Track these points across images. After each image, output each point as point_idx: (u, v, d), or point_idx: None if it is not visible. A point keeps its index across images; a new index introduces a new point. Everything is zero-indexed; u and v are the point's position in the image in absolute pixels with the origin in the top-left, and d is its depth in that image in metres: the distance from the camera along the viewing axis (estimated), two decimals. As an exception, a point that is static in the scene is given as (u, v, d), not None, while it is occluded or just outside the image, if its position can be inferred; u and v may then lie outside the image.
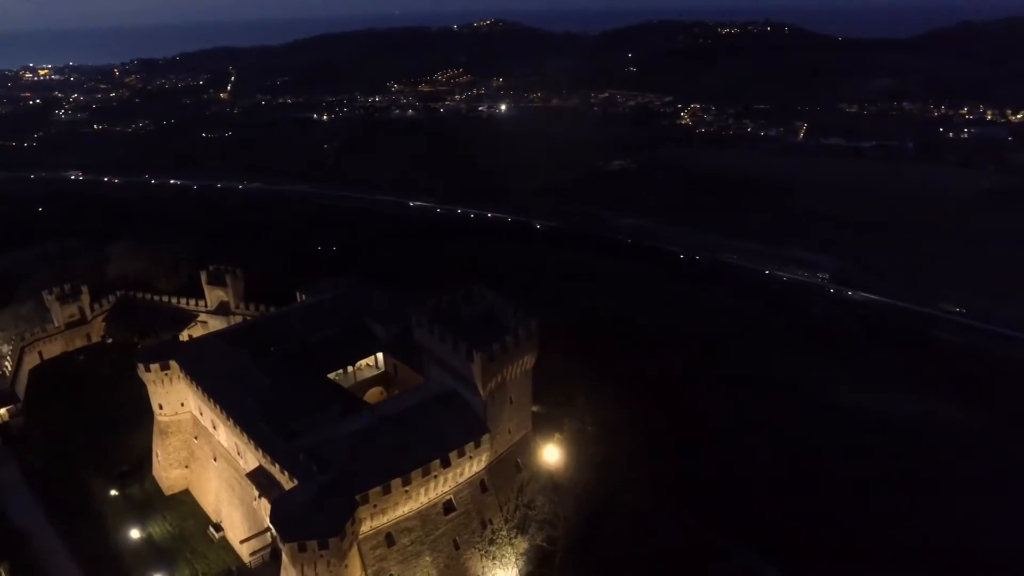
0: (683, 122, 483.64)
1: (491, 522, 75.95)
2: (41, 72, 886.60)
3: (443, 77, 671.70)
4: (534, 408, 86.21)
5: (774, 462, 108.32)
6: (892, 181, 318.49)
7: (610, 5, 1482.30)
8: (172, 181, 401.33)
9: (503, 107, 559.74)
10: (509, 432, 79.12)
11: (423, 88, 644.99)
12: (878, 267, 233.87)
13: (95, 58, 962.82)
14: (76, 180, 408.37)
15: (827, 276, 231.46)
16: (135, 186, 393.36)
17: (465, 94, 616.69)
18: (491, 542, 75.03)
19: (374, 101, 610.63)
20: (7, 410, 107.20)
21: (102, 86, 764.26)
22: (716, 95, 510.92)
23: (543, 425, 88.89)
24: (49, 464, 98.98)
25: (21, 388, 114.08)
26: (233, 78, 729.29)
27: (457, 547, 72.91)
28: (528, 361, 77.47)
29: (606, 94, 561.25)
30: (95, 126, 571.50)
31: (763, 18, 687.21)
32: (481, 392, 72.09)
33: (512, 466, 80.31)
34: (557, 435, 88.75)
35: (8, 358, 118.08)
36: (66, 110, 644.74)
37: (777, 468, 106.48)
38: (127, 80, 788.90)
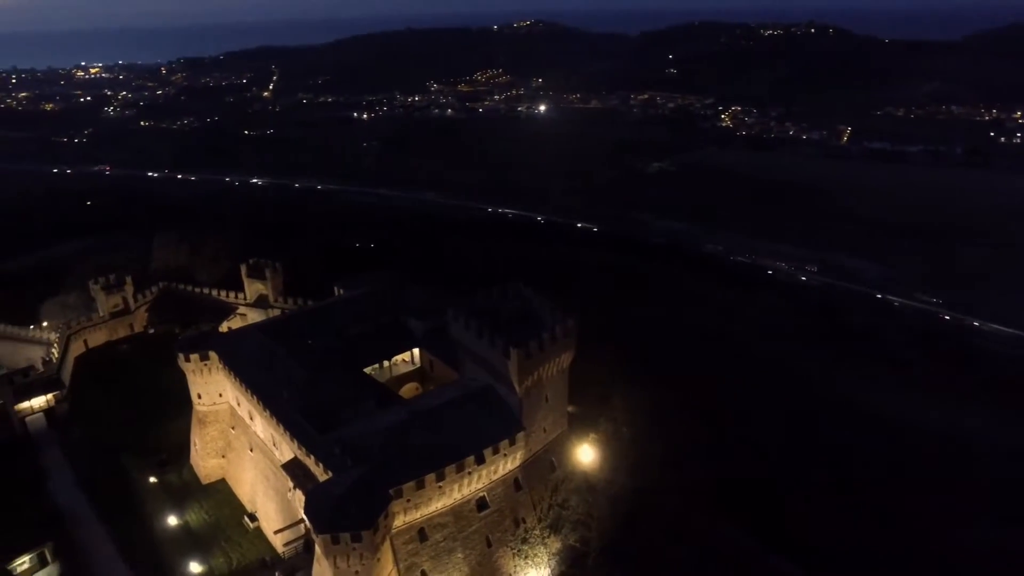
0: (724, 124, 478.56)
1: (524, 521, 75.39)
2: (92, 71, 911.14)
3: (482, 77, 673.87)
4: (569, 408, 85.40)
5: (811, 468, 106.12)
6: (939, 187, 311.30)
7: (651, 6, 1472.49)
8: (215, 177, 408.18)
9: (542, 107, 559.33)
10: (544, 431, 78.46)
11: (462, 88, 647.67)
12: (922, 274, 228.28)
13: (143, 57, 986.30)
14: (121, 175, 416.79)
15: (869, 282, 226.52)
16: (179, 181, 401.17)
17: (504, 94, 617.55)
18: (524, 541, 74.47)
19: (414, 101, 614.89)
20: (53, 395, 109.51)
21: (149, 84, 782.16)
22: (758, 97, 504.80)
23: (578, 425, 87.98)
24: (91, 449, 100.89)
25: (67, 375, 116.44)
26: (275, 77, 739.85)
27: (489, 545, 72.51)
28: (565, 359, 76.75)
29: (646, 95, 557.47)
30: (142, 123, 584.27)
31: (807, 20, 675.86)
32: (517, 389, 71.56)
33: (546, 465, 79.64)
34: (592, 435, 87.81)
35: (55, 345, 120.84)
36: (115, 107, 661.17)
37: (814, 475, 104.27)
38: (173, 78, 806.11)
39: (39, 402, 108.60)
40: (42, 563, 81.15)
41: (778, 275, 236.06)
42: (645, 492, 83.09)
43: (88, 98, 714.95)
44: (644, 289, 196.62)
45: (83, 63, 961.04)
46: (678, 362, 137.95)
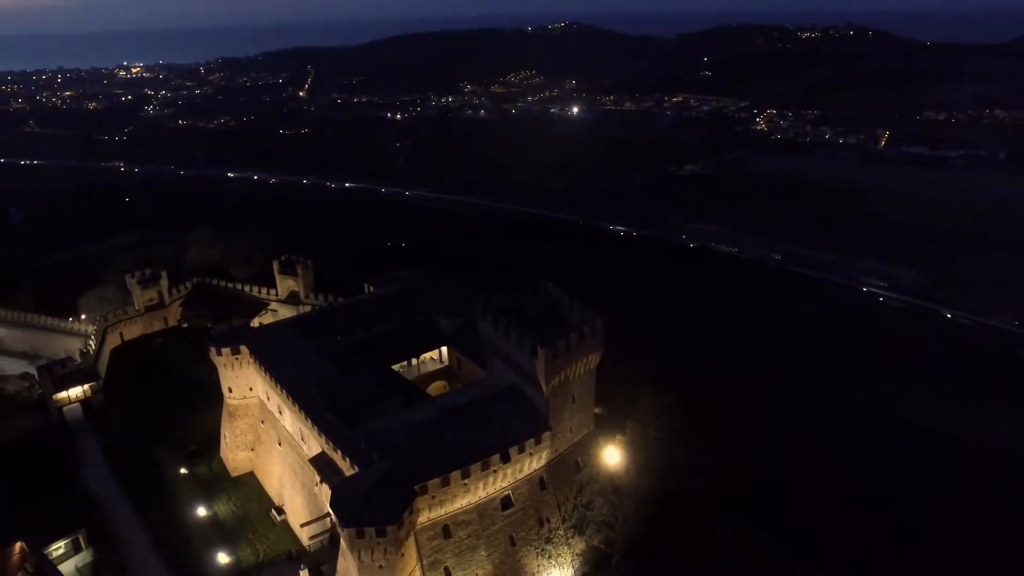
0: (758, 127, 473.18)
1: (548, 520, 75.15)
2: (134, 70, 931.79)
3: (516, 78, 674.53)
4: (596, 409, 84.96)
5: (840, 476, 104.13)
6: (980, 192, 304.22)
7: (688, 8, 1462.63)
8: (249, 175, 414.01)
9: (575, 109, 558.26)
10: (571, 431, 78.16)
11: (496, 89, 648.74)
12: (961, 282, 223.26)
13: (183, 57, 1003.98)
14: (158, 172, 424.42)
15: (905, 289, 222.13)
16: (214, 179, 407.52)
17: (537, 96, 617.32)
18: (548, 541, 74.23)
19: (447, 101, 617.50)
20: (89, 386, 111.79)
21: (188, 83, 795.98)
22: (793, 101, 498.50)
23: (605, 426, 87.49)
24: (125, 439, 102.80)
25: (103, 366, 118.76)
26: (311, 78, 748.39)
27: (513, 543, 72.38)
28: (592, 360, 76.41)
29: (680, 98, 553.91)
30: (180, 121, 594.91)
31: (845, 22, 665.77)
32: (544, 389, 71.38)
33: (572, 465, 79.30)
34: (619, 437, 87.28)
35: (92, 337, 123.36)
36: (154, 106, 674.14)
37: (843, 483, 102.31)
38: (211, 78, 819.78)
39: (76, 392, 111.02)
40: (76, 549, 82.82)
41: (812, 280, 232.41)
42: (671, 495, 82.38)
43: (129, 97, 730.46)
44: (674, 291, 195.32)
45: (125, 63, 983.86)
46: (708, 366, 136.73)
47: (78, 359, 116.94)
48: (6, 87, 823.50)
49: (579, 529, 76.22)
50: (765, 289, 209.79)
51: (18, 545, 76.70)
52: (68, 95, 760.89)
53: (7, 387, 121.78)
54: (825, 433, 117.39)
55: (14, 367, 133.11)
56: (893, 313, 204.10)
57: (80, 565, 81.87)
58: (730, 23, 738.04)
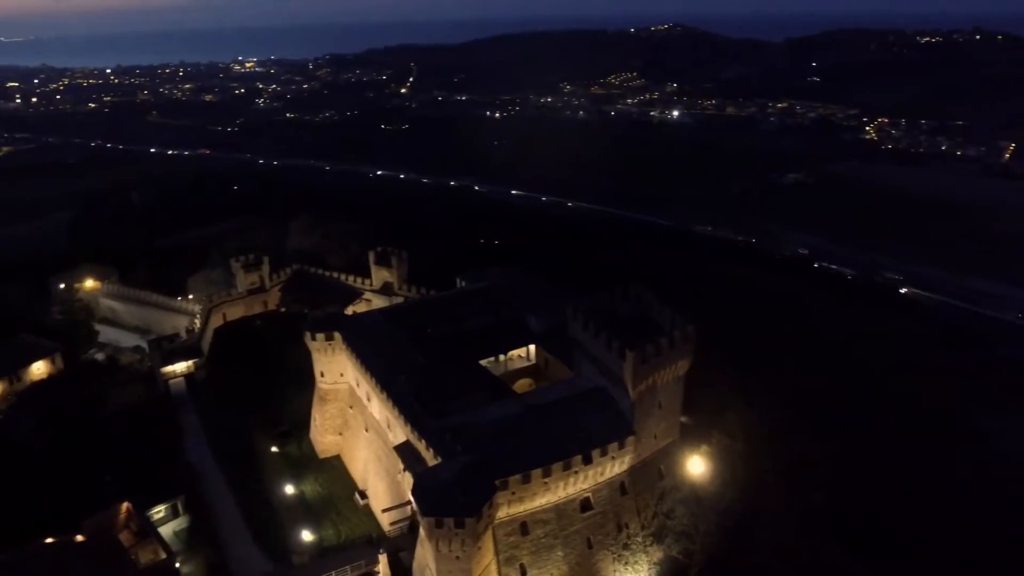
0: (868, 137, 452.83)
1: (627, 526, 74.18)
2: (247, 65, 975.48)
3: (616, 80, 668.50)
4: (683, 418, 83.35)
5: (937, 507, 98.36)
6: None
7: (798, 11, 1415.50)
8: (350, 168, 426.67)
9: (675, 113, 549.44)
10: (655, 437, 76.90)
11: (595, 90, 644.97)
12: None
13: (293, 53, 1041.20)
14: (264, 163, 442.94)
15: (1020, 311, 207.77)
16: (317, 171, 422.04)
17: (637, 98, 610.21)
18: (625, 546, 73.30)
19: (546, 101, 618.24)
20: (193, 362, 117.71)
21: (296, 78, 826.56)
22: (908, 109, 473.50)
23: (690, 435, 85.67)
24: (223, 415, 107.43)
25: (206, 344, 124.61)
26: (413, 75, 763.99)
27: (590, 546, 71.82)
28: (682, 367, 74.98)
29: (785, 104, 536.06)
30: (287, 114, 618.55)
31: (972, 26, 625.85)
32: (630, 392, 70.50)
33: (654, 472, 78.01)
34: (704, 447, 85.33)
35: (198, 316, 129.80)
36: (265, 99, 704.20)
37: (940, 515, 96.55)
38: (319, 73, 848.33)
39: (181, 367, 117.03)
40: (174, 514, 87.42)
41: (919, 298, 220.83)
42: (756, 511, 79.94)
43: (242, 90, 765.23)
44: (769, 302, 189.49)
45: (240, 58, 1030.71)
46: (802, 381, 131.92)
47: (184, 336, 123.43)
48: (134, 80, 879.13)
49: (658, 537, 74.93)
50: (868, 305, 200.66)
51: (125, 505, 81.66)
52: (188, 87, 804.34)
53: (122, 358, 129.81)
54: (926, 463, 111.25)
55: (128, 340, 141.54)
56: (1007, 338, 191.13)
57: (177, 529, 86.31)
58: (843, 27, 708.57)
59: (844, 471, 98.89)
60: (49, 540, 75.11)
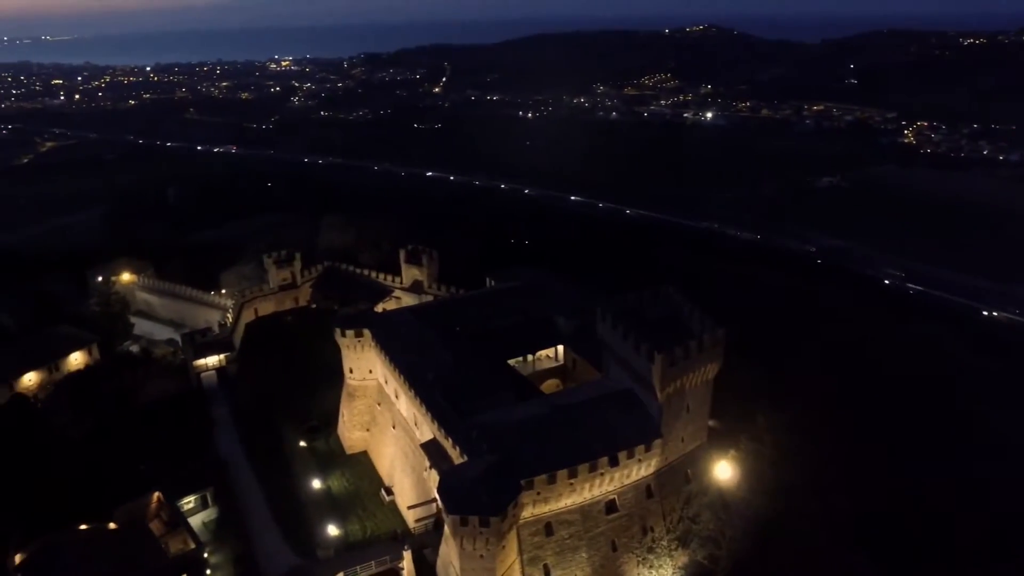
0: (906, 140, 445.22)
1: (652, 529, 73.71)
2: (283, 63, 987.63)
3: (650, 81, 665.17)
4: (711, 422, 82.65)
5: (967, 516, 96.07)
6: None
7: (836, 12, 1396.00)
8: (382, 166, 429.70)
9: (709, 115, 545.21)
10: (682, 440, 76.31)
11: (628, 91, 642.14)
12: None
13: (329, 52, 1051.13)
14: (297, 161, 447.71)
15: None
16: (349, 168, 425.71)
17: (671, 99, 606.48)
18: (650, 550, 72.81)
19: (579, 102, 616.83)
20: (225, 356, 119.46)
21: (331, 77, 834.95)
22: (948, 112, 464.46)
23: (718, 440, 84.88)
24: (253, 408, 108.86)
25: (238, 338, 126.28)
26: (447, 74, 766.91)
27: (615, 549, 71.45)
28: (710, 370, 74.31)
29: (821, 106, 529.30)
30: (322, 112, 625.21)
31: (1018, 27, 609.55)
32: (658, 395, 70.00)
33: (681, 476, 77.42)
34: (732, 452, 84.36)
35: (230, 311, 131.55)
36: (299, 98, 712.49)
37: (970, 523, 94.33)
38: (353, 72, 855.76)
39: (213, 361, 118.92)
40: (204, 505, 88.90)
41: (955, 305, 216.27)
42: (783, 517, 78.83)
43: (277, 88, 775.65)
44: (800, 306, 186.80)
45: (276, 56, 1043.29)
46: (831, 387, 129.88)
47: (216, 330, 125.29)
48: (173, 77, 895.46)
49: (683, 542, 74.34)
50: (901, 312, 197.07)
51: (156, 495, 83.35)
52: (224, 85, 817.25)
53: (156, 350, 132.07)
54: (955, 468, 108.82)
55: (162, 333, 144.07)
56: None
57: (206, 520, 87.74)
58: (882, 28, 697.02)
59: (872, 477, 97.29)
60: (83, 527, 76.82)
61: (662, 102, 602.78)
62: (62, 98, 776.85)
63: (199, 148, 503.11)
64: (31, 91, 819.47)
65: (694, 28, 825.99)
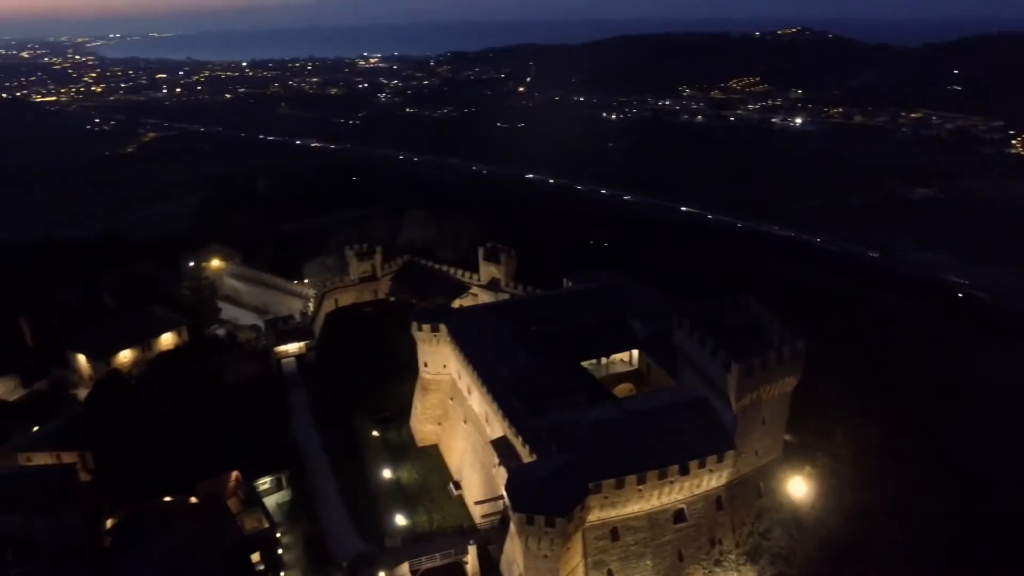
0: (1014, 151, 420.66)
1: (720, 542, 72.24)
2: (372, 61, 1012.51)
3: (738, 85, 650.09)
4: (786, 436, 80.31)
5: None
6: None
7: (941, 15, 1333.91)
8: (465, 164, 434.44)
9: (798, 120, 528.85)
10: (756, 453, 74.47)
11: (715, 95, 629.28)
12: None
13: (416, 50, 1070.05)
14: (381, 155, 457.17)
15: None
16: (433, 165, 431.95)
17: (759, 104, 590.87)
18: (717, 563, 71.44)
19: (664, 104, 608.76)
20: (305, 344, 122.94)
21: (418, 74, 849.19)
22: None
23: (794, 455, 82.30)
24: (329, 396, 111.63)
25: (318, 327, 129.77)
26: (532, 74, 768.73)
27: (681, 559, 70.37)
28: (789, 383, 72.26)
29: (919, 114, 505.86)
30: (407, 109, 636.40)
31: None
32: (733, 405, 68.54)
33: (753, 490, 75.55)
34: (808, 468, 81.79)
35: (312, 300, 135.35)
36: (386, 94, 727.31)
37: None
38: (439, 70, 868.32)
39: (293, 348, 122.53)
40: (278, 487, 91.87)
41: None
42: (859, 540, 76.01)
43: (365, 85, 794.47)
44: (889, 322, 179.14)
45: (365, 53, 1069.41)
46: (919, 408, 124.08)
47: (298, 318, 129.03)
48: (266, 73, 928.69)
49: (752, 557, 72.62)
50: (1004, 333, 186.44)
51: (234, 474, 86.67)
52: (315, 81, 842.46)
53: (240, 335, 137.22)
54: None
55: (247, 318, 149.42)
56: None
57: (280, 502, 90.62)
58: (992, 31, 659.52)
59: (963, 509, 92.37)
60: (167, 498, 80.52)
61: (749, 106, 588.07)
62: (164, 91, 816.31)
63: (289, 141, 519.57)
64: (138, 84, 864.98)
65: (786, 31, 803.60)
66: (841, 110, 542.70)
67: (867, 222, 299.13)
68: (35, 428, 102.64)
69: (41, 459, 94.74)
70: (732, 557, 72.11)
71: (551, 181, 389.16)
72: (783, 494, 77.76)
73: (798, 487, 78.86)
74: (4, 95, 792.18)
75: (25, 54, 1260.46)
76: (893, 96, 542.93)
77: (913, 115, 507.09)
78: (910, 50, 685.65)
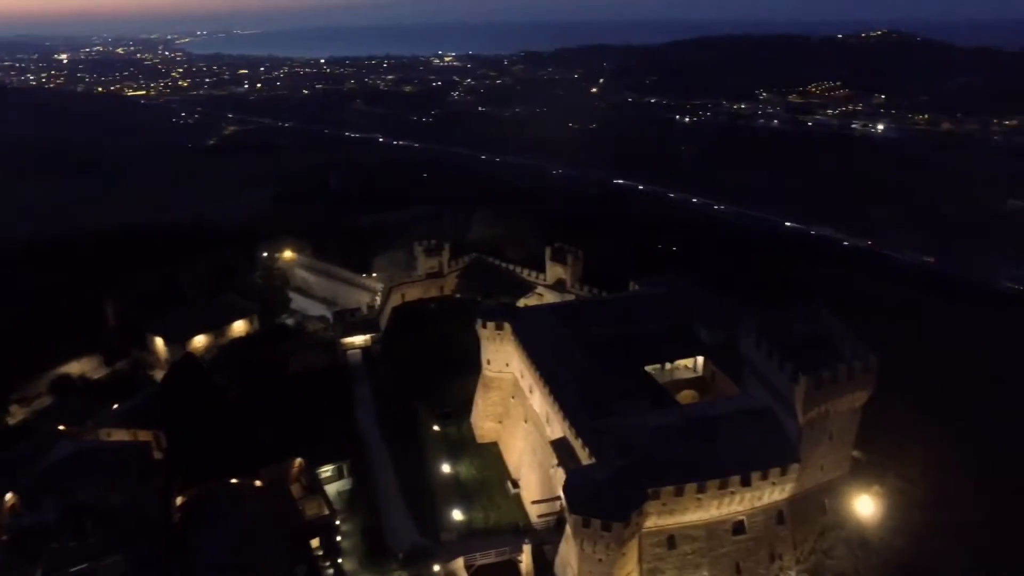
0: None
1: (781, 557, 70.33)
2: (446, 59, 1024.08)
3: (817, 89, 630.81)
4: (855, 452, 77.68)
5: None
6: None
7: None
8: (535, 163, 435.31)
9: (880, 127, 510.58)
10: (821, 468, 72.17)
11: (793, 99, 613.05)
12: None
13: (490, 48, 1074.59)
14: (456, 154, 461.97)
15: None
16: (503, 164, 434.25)
17: (839, 109, 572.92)
18: (777, 579, 69.65)
19: (739, 108, 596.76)
20: (371, 336, 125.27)
21: (491, 73, 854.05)
22: None
23: (862, 473, 79.56)
24: (392, 389, 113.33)
25: (383, 321, 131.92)
26: (604, 76, 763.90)
27: (739, 572, 68.83)
28: (859, 398, 69.71)
29: (1015, 121, 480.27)
30: (479, 108, 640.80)
31: None
32: (799, 418, 66.52)
33: (817, 506, 73.34)
34: (876, 487, 78.93)
35: (379, 294, 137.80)
36: (459, 92, 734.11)
37: None
38: (513, 69, 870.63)
39: (359, 340, 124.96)
40: (340, 475, 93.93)
41: None
42: (930, 566, 72.79)
43: (439, 83, 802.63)
44: (975, 341, 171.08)
45: (440, 52, 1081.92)
46: (1001, 434, 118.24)
47: (365, 311, 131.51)
48: (343, 69, 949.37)
49: (814, 575, 70.47)
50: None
51: (298, 461, 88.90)
52: (390, 78, 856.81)
53: (308, 325, 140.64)
54: None
55: (316, 309, 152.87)
56: None
57: (341, 490, 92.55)
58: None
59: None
60: (233, 480, 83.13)
61: (829, 111, 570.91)
62: (246, 87, 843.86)
63: (362, 137, 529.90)
64: (221, 80, 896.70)
65: (871, 33, 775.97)
66: (927, 116, 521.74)
67: (953, 234, 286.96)
68: (115, 406, 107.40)
69: (119, 435, 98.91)
70: (792, 574, 70.26)
71: (622, 183, 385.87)
72: (849, 512, 75.31)
73: (865, 506, 76.25)
74: (100, 89, 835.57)
75: (120, 50, 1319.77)
76: (986, 102, 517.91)
77: (1008, 122, 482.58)
78: (1009, 54, 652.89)
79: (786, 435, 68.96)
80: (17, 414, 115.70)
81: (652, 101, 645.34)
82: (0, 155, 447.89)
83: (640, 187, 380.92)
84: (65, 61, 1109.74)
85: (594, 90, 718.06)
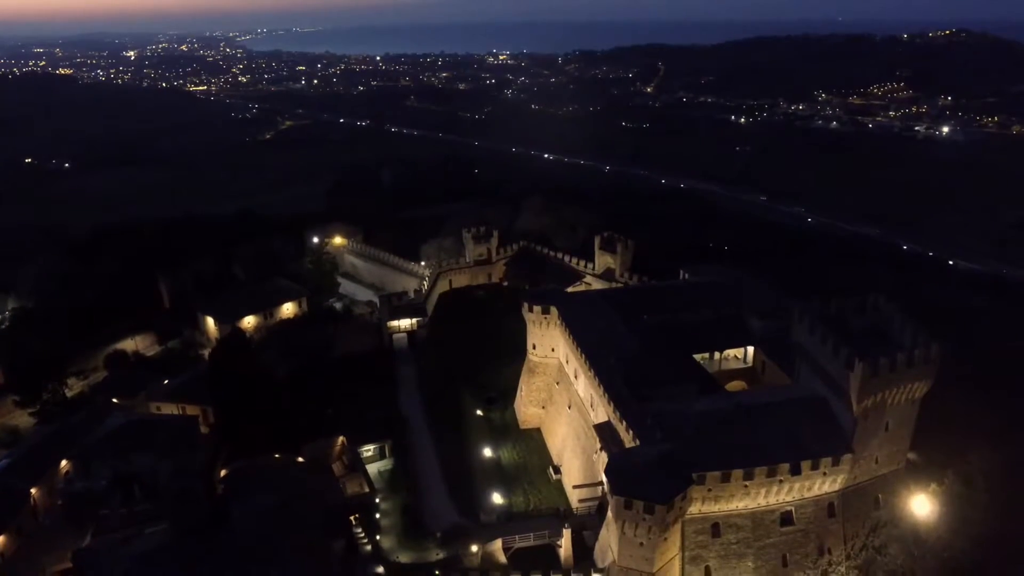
0: None
1: (830, 551, 67.83)
2: (500, 57, 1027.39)
3: (879, 90, 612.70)
4: (910, 455, 74.34)
5: None
6: None
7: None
8: (587, 162, 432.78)
9: (945, 129, 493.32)
10: (876, 462, 69.35)
11: (854, 100, 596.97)
12: None
13: (544, 47, 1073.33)
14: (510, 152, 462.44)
15: None
16: (554, 161, 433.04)
17: (902, 111, 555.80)
18: (825, 573, 67.19)
19: (797, 109, 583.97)
20: (417, 321, 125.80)
21: (544, 72, 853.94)
22: None
23: (919, 470, 76.15)
24: (436, 373, 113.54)
25: (430, 306, 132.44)
26: (660, 74, 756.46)
27: (785, 564, 66.63)
28: (918, 388, 66.58)
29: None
30: (532, 106, 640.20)
31: None
32: (854, 407, 63.91)
33: (870, 500, 70.45)
34: (934, 486, 75.42)
35: (427, 280, 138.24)
36: (513, 91, 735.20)
37: None
38: (567, 68, 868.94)
39: (405, 324, 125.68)
40: (381, 455, 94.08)
41: None
42: (988, 570, 69.19)
43: (492, 81, 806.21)
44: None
45: (493, 50, 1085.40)
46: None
47: (412, 296, 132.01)
48: (399, 67, 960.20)
49: (865, 572, 67.83)
50: None
51: (341, 439, 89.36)
52: (444, 76, 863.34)
53: (355, 309, 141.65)
54: None
55: (364, 295, 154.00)
56: None
57: (382, 470, 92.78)
58: None
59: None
60: (277, 456, 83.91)
61: (891, 113, 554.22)
62: (303, 83, 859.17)
63: (415, 133, 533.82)
64: (279, 76, 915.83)
65: (938, 33, 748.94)
66: (996, 119, 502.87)
67: (1019, 241, 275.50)
68: (165, 381, 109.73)
69: (169, 409, 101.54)
70: (842, 569, 67.68)
71: (677, 183, 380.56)
72: (904, 509, 72.17)
73: (922, 505, 72.97)
74: (163, 84, 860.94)
75: (183, 47, 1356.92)
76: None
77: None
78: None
79: (839, 424, 66.50)
80: (75, 387, 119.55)
81: (708, 101, 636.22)
82: (71, 149, 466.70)
83: (692, 187, 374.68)
84: (132, 58, 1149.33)
85: (648, 89, 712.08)
